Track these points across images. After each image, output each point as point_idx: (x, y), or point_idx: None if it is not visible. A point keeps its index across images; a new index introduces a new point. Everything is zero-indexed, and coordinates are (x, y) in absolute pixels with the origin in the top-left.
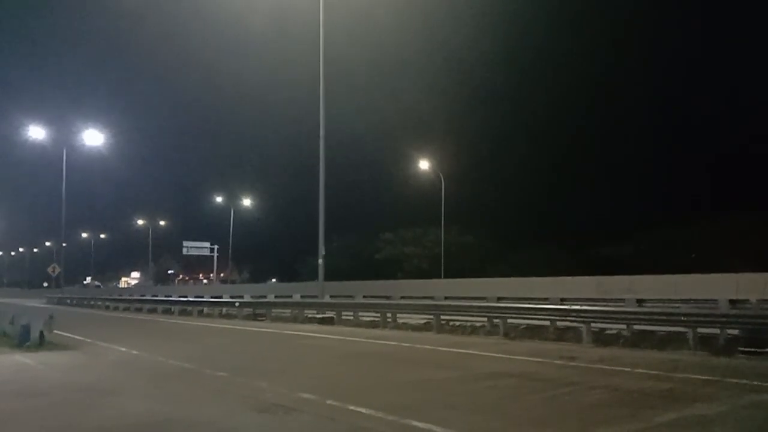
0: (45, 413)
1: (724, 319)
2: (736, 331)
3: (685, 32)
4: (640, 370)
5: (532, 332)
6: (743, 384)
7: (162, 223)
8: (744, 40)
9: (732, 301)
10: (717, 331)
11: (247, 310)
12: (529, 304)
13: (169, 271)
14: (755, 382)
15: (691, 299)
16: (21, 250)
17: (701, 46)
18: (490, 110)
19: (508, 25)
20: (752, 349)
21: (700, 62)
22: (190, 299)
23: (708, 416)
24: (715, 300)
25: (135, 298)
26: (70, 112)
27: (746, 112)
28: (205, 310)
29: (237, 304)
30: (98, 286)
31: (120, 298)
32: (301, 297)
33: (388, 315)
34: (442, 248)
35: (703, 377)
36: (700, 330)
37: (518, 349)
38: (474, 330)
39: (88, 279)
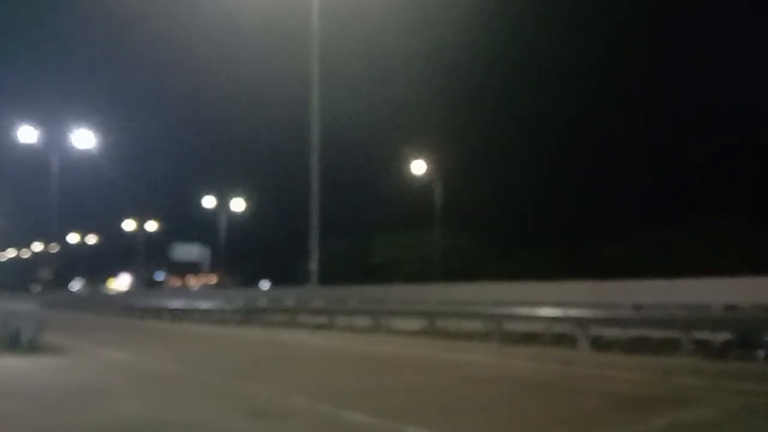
0: (36, 415)
1: (718, 323)
2: (730, 335)
3: (683, 28)
4: (636, 375)
5: (528, 337)
6: (738, 387)
7: (153, 225)
8: (743, 39)
9: (726, 305)
10: (711, 335)
11: (240, 315)
12: (524, 308)
13: (160, 275)
14: (749, 386)
15: (685, 303)
16: (11, 252)
17: (698, 47)
18: (487, 111)
19: (505, 24)
20: (746, 353)
21: (699, 65)
22: (181, 303)
23: (703, 420)
24: (709, 304)
25: (125, 302)
26: (60, 113)
27: (744, 112)
28: (197, 314)
29: (229, 308)
30: (78, 292)
31: (110, 301)
32: (295, 301)
33: (383, 320)
34: (437, 252)
35: (699, 381)
36: (695, 334)
37: (514, 354)
38: (469, 335)
39: (79, 282)
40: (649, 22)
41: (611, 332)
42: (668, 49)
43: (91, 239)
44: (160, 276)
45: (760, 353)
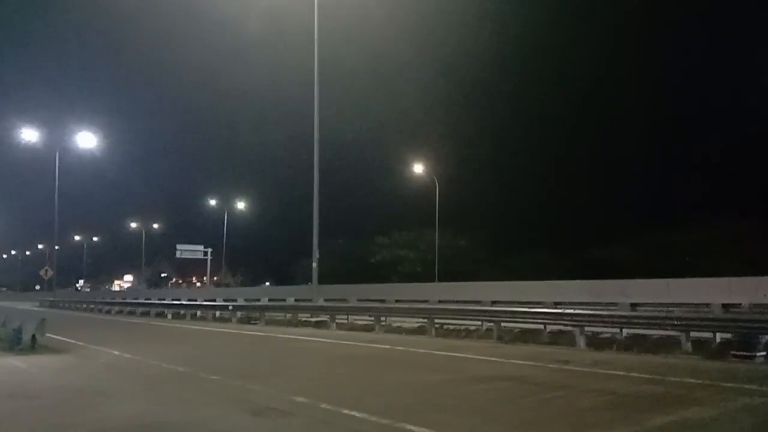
0: (36, 415)
1: (716, 323)
2: (728, 335)
3: (684, 31)
4: (634, 374)
5: (526, 336)
6: (736, 388)
7: (156, 226)
8: (743, 39)
9: (725, 305)
10: (710, 335)
11: (241, 314)
12: (522, 307)
13: (163, 274)
14: (748, 386)
15: (684, 303)
16: (13, 252)
17: (697, 49)
18: (485, 113)
19: (505, 27)
20: (744, 353)
21: (699, 68)
22: (184, 302)
23: (701, 420)
24: (708, 304)
25: (128, 301)
26: (64, 114)
27: (744, 113)
28: (199, 313)
29: (230, 307)
30: (81, 290)
31: (113, 301)
32: (295, 300)
33: (382, 318)
34: (437, 251)
35: (696, 381)
36: (693, 334)
37: (512, 352)
38: (468, 333)
39: (81, 282)
40: (652, 24)
41: (609, 331)
42: (668, 54)
43: (95, 239)
44: (162, 275)
45: (759, 353)
